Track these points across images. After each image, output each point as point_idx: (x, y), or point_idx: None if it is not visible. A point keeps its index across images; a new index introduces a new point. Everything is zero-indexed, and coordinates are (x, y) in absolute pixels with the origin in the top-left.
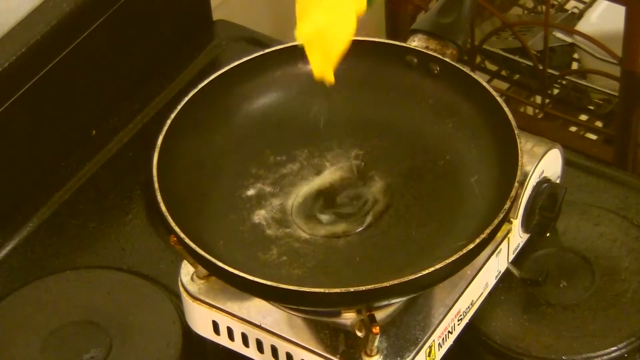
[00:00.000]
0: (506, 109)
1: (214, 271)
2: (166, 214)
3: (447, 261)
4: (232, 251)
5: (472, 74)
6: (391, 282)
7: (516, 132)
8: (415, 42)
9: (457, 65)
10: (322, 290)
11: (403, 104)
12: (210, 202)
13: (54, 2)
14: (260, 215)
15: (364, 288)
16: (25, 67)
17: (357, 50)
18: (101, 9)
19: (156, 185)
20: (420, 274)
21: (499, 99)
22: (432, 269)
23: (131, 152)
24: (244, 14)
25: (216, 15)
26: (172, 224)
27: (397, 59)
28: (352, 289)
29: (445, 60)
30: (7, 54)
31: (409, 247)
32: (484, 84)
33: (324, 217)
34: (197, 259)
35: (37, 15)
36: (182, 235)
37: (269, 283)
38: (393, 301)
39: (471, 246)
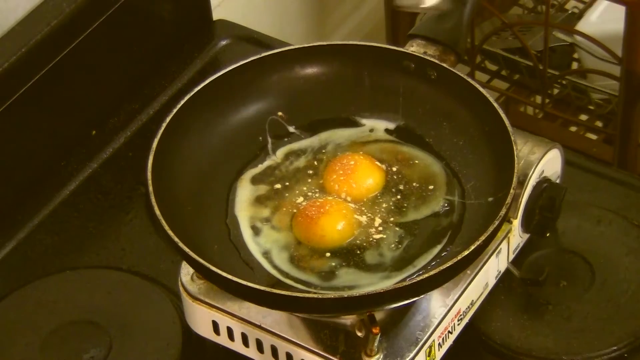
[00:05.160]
0: (503, 116)
1: (207, 275)
2: (160, 217)
3: (442, 267)
4: (226, 255)
5: (469, 79)
6: (385, 289)
7: (513, 138)
8: (414, 47)
9: (454, 70)
10: (315, 296)
11: (400, 109)
12: (205, 205)
13: (54, 2)
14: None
15: (357, 294)
16: (25, 67)
17: (354, 54)
18: (101, 9)
19: (150, 188)
20: (415, 281)
21: (496, 105)
22: (426, 275)
23: (131, 152)
24: (244, 14)
25: (216, 15)
26: (166, 227)
27: (394, 63)
28: (346, 295)
29: (442, 66)
30: (7, 54)
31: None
32: (481, 89)
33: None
34: (190, 263)
35: (37, 15)
36: (175, 238)
37: (262, 288)
38: (388, 307)
39: (466, 253)
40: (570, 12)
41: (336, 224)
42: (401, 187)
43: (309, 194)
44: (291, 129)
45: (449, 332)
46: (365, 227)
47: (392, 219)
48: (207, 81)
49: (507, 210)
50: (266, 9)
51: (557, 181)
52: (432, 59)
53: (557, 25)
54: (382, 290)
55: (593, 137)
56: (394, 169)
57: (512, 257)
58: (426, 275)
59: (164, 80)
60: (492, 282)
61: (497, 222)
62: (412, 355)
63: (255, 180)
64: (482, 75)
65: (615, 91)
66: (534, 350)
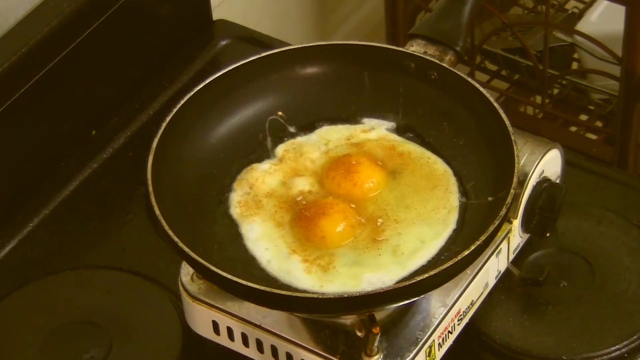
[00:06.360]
0: (503, 116)
1: (207, 275)
2: (160, 217)
3: (442, 267)
4: (226, 255)
5: (469, 79)
6: (385, 289)
7: (513, 138)
8: (414, 47)
9: (454, 70)
10: (315, 296)
11: (400, 109)
12: (205, 205)
13: (54, 2)
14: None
15: (357, 294)
16: (25, 67)
17: (355, 54)
18: (101, 9)
19: (150, 188)
20: (415, 281)
21: (496, 105)
22: (426, 275)
23: (131, 152)
24: (244, 14)
25: (216, 15)
26: (166, 227)
27: (394, 63)
28: (346, 295)
29: (443, 66)
30: (7, 54)
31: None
32: (482, 89)
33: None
34: (190, 263)
35: (37, 15)
36: (175, 238)
37: (262, 288)
38: (388, 307)
39: (466, 253)
40: (570, 12)
41: (337, 225)
42: (401, 186)
43: (309, 194)
44: (291, 129)
45: (449, 332)
46: (365, 227)
47: (392, 218)
48: (207, 81)
49: (507, 210)
50: (266, 9)
51: (557, 181)
52: (432, 59)
53: (557, 25)
54: (382, 290)
55: (593, 137)
56: (394, 168)
57: (512, 257)
58: (426, 275)
59: (164, 80)
60: (492, 282)
61: (497, 222)
62: (412, 355)
63: (255, 180)
64: (482, 75)
65: (615, 91)
66: (534, 350)
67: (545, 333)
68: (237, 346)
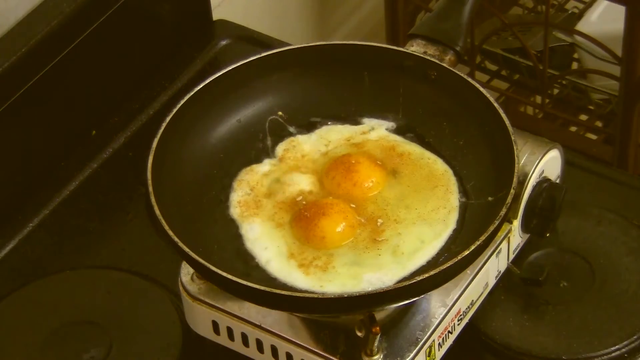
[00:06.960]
0: (503, 116)
1: (207, 275)
2: (160, 217)
3: (442, 267)
4: (226, 255)
5: (469, 79)
6: (385, 289)
7: (513, 138)
8: (414, 47)
9: (454, 70)
10: (315, 296)
11: (400, 109)
12: (205, 205)
13: (54, 2)
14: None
15: (357, 294)
16: (25, 67)
17: (355, 54)
18: (101, 9)
19: (150, 188)
20: (415, 281)
21: (496, 105)
22: (426, 275)
23: (131, 152)
24: (244, 14)
25: (216, 15)
26: (166, 227)
27: (394, 63)
28: (346, 295)
29: (442, 66)
30: (7, 54)
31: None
32: (482, 89)
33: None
34: (190, 263)
35: (37, 15)
36: (175, 238)
37: (262, 288)
38: (388, 307)
39: (466, 253)
40: (570, 12)
41: (336, 226)
42: (401, 186)
43: (309, 194)
44: (291, 129)
45: (449, 332)
46: (365, 227)
47: (392, 218)
48: (207, 81)
49: (507, 210)
50: (266, 9)
51: (557, 181)
52: (432, 59)
53: (557, 25)
54: (382, 290)
55: (593, 137)
56: (394, 168)
57: (512, 257)
58: (426, 275)
59: (164, 80)
60: (492, 282)
61: (497, 222)
62: (412, 355)
63: (254, 180)
64: (482, 75)
65: (615, 91)
66: (534, 350)
67: (545, 333)
68: (237, 346)
